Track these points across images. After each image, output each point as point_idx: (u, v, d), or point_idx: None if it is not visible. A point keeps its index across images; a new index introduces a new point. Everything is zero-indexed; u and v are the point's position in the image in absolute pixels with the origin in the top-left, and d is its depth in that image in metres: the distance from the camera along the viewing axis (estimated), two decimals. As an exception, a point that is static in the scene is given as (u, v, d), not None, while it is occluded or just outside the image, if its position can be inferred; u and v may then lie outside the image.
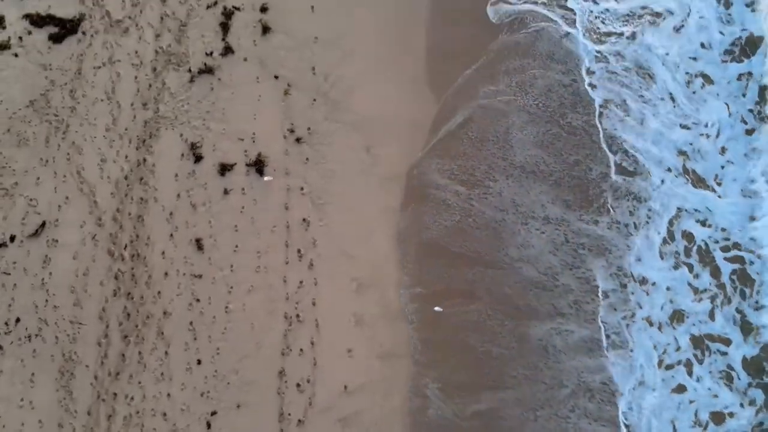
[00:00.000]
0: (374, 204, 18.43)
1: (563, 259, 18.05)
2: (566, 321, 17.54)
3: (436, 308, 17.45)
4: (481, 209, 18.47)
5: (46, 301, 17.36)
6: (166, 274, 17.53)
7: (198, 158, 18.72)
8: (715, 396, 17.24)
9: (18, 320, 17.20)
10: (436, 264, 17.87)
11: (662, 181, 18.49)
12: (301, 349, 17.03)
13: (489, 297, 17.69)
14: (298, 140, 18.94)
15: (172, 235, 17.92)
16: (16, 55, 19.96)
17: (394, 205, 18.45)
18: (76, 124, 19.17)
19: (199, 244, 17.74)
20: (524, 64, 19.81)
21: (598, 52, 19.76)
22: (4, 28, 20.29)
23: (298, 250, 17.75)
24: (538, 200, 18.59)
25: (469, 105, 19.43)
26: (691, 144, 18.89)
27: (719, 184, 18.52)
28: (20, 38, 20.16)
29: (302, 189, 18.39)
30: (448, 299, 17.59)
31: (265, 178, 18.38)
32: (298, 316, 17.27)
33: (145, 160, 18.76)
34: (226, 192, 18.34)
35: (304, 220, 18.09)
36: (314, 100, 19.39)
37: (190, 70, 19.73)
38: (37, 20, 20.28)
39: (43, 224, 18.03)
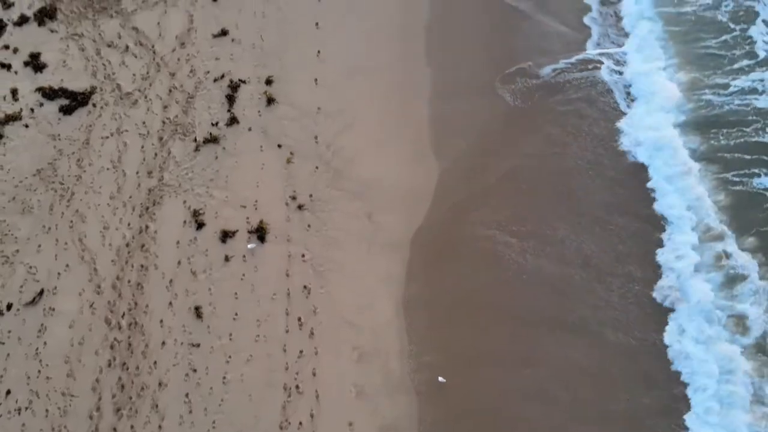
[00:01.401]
0: (376, 271, 18.24)
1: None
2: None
3: (441, 378, 16.75)
4: (537, 263, 17.89)
5: (39, 371, 16.86)
6: (163, 343, 17.12)
7: (200, 225, 18.76)
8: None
9: (8, 392, 16.64)
10: (459, 328, 17.15)
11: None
12: (301, 423, 16.35)
13: (548, 364, 16.33)
14: (300, 207, 19.05)
15: (171, 303, 17.65)
16: (26, 126, 20.48)
17: (396, 271, 18.23)
18: (81, 192, 19.36)
19: (198, 312, 17.44)
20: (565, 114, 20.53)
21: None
22: (16, 100, 20.96)
23: (299, 318, 17.42)
24: (614, 251, 18.00)
25: (510, 158, 19.76)
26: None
27: None
28: (32, 110, 20.76)
29: (303, 256, 18.30)
30: (472, 367, 16.78)
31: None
32: (297, 387, 16.70)
33: (147, 227, 18.79)
34: (227, 259, 18.24)
35: (305, 287, 17.87)
36: (316, 167, 19.67)
37: (195, 140, 20.16)
38: (50, 93, 20.98)
39: (41, 292, 17.82)
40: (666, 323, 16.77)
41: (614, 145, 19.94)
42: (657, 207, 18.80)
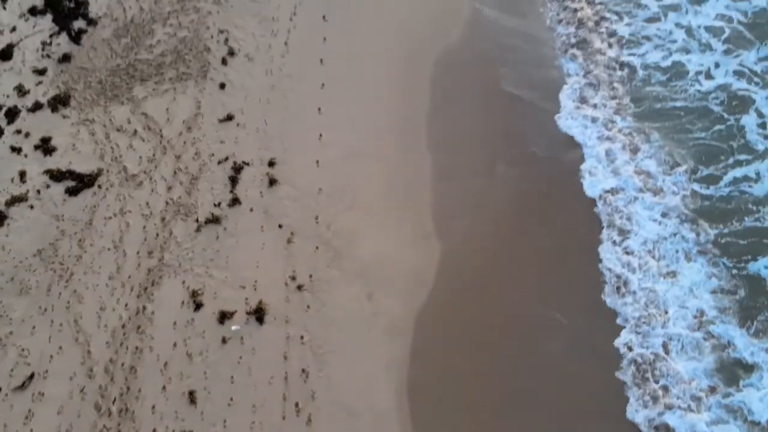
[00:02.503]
0: (377, 354, 17.77)
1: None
2: None
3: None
4: (547, 348, 17.27)
5: (22, 462, 16.07)
6: (154, 430, 16.41)
7: (198, 306, 18.52)
8: None
9: (-12, 485, 15.78)
10: (467, 415, 16.37)
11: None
12: None
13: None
14: (299, 288, 18.89)
15: (164, 387, 17.09)
16: (31, 207, 20.75)
17: (398, 354, 17.75)
18: (80, 272, 19.30)
19: (192, 397, 16.83)
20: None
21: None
22: (24, 182, 21.37)
23: (296, 404, 16.78)
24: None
25: (514, 239, 19.78)
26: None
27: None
28: (38, 191, 21.13)
29: (302, 338, 17.92)
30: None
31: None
32: (293, 479, 15.84)
33: (144, 307, 18.56)
34: (224, 341, 17.86)
35: (303, 371, 17.35)
36: (317, 247, 19.69)
37: (197, 220, 20.34)
38: (57, 175, 21.43)
39: (32, 376, 17.31)
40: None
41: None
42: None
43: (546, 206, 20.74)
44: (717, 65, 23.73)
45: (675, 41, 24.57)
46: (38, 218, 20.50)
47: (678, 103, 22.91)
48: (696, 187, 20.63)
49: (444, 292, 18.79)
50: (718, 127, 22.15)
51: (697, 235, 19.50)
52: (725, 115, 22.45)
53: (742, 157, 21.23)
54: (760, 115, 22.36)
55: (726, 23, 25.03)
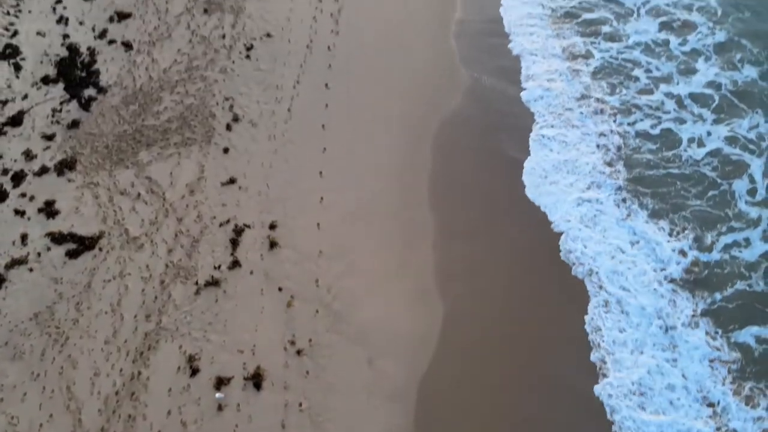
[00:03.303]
0: (378, 422, 17.18)
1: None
2: None
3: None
4: (552, 415, 16.97)
5: None
6: (143, 505, 15.64)
7: (194, 371, 18.07)
8: None
9: None
10: None
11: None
12: None
13: None
14: (298, 352, 18.50)
15: (156, 458, 16.43)
16: (30, 270, 20.66)
17: (398, 422, 17.17)
18: (75, 336, 18.96)
19: (184, 469, 16.16)
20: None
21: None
22: (25, 244, 21.38)
23: (293, 476, 16.09)
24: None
25: (520, 304, 19.43)
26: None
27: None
28: (38, 254, 21.09)
29: (301, 405, 17.38)
30: None
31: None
32: None
33: (139, 373, 18.10)
34: (220, 408, 17.31)
35: (301, 440, 16.74)
36: (317, 311, 19.44)
37: (197, 283, 20.19)
38: (59, 238, 21.46)
39: (19, 446, 16.68)
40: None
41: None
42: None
43: (546, 267, 20.70)
44: (709, 133, 24.38)
45: (667, 111, 25.30)
46: (37, 281, 20.37)
47: (672, 170, 23.35)
48: (690, 253, 20.77)
49: (447, 355, 18.41)
50: (711, 192, 22.57)
51: (691, 303, 19.55)
52: (718, 181, 22.91)
53: (735, 223, 21.58)
54: (752, 180, 22.86)
55: (715, 91, 25.90)
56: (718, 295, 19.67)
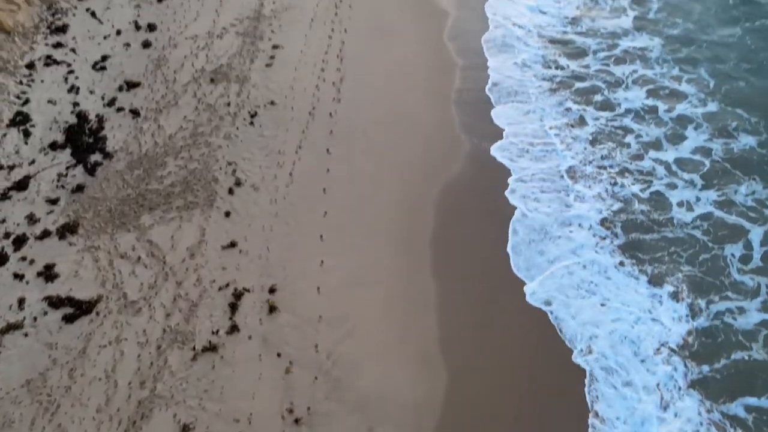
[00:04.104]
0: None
1: None
2: None
3: None
4: None
5: None
6: None
7: (188, 442, 17.49)
8: None
9: None
10: None
11: None
12: None
13: None
14: (296, 421, 17.94)
15: None
16: (26, 335, 20.36)
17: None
18: (67, 404, 18.45)
19: None
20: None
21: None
22: (22, 309, 21.18)
23: None
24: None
25: (525, 375, 19.09)
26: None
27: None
28: (35, 318, 20.86)
29: (298, 478, 16.71)
30: None
31: None
32: None
33: (131, 444, 17.50)
34: (213, 482, 16.63)
35: None
36: (316, 378, 19.01)
37: (194, 348, 19.85)
38: (56, 302, 21.29)
39: None
40: None
41: (620, 352, 19.52)
42: None
43: (550, 332, 20.41)
44: (698, 199, 24.68)
45: (659, 177, 25.65)
46: (31, 347, 20.03)
47: (667, 234, 23.46)
48: (687, 321, 20.58)
49: (451, 425, 17.85)
50: (703, 256, 22.59)
51: (685, 372, 19.23)
52: (710, 245, 23.01)
53: (728, 291, 21.49)
54: (748, 246, 22.89)
55: (703, 157, 26.33)
56: (714, 365, 19.38)
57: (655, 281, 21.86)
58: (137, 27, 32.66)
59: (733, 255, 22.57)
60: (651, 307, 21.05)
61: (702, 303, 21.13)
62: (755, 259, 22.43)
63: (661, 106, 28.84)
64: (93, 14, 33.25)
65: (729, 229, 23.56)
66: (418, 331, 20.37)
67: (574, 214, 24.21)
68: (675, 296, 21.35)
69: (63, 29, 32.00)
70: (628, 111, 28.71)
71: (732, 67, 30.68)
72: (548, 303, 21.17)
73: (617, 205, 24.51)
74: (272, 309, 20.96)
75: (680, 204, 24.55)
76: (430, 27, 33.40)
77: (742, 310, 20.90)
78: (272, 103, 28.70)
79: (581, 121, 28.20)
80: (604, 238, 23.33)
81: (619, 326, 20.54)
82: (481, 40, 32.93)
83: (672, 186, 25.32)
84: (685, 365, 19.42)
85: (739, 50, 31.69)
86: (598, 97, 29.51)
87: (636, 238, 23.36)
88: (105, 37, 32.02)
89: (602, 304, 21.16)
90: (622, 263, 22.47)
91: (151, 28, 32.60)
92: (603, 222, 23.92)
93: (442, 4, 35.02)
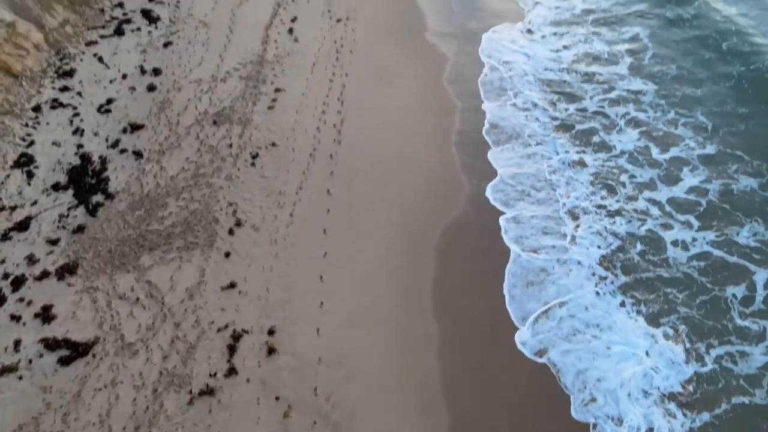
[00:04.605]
0: None
1: None
2: None
3: None
4: None
5: None
6: None
7: (182, 490, 16.98)
8: None
9: None
10: None
11: None
12: None
13: None
14: (294, 468, 17.49)
15: None
16: (20, 378, 20.06)
17: None
18: (59, 450, 18.03)
19: None
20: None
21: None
22: (17, 351, 20.92)
23: None
24: None
25: (529, 418, 18.55)
26: None
27: None
28: (30, 361, 20.58)
29: None
30: None
31: None
32: None
33: (123, 492, 17.00)
34: None
35: None
36: (314, 422, 18.62)
37: (191, 392, 19.51)
38: (52, 344, 21.06)
39: None
40: None
41: (625, 396, 19.17)
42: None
43: (551, 377, 20.10)
44: (694, 239, 24.56)
45: (653, 217, 25.65)
46: (25, 390, 19.69)
47: (663, 274, 23.29)
48: (683, 366, 20.22)
49: None
50: (702, 298, 22.33)
51: (683, 422, 18.83)
52: (709, 286, 22.76)
53: (730, 335, 21.13)
54: (751, 288, 22.60)
55: (699, 197, 26.27)
56: (715, 410, 18.98)
57: (654, 323, 21.63)
58: (143, 71, 33.43)
59: (734, 296, 22.33)
60: (649, 351, 20.72)
61: (702, 347, 20.83)
62: (757, 301, 22.15)
63: (654, 149, 29.05)
64: (100, 59, 34.07)
65: (730, 270, 23.33)
66: (418, 374, 20.06)
67: (569, 256, 24.15)
68: (674, 339, 21.07)
69: (70, 73, 32.74)
70: (623, 152, 28.94)
71: (729, 111, 30.83)
72: (543, 351, 20.79)
73: (612, 246, 24.48)
74: (271, 351, 20.71)
75: (675, 243, 24.42)
76: (429, 70, 34.14)
77: (743, 354, 20.57)
78: (274, 144, 29.08)
79: (577, 163, 28.47)
80: (603, 278, 23.22)
81: (617, 372, 20.16)
82: (479, 84, 33.57)
83: (667, 226, 25.25)
84: (684, 413, 18.99)
85: (736, 94, 31.92)
86: (595, 139, 29.85)
87: (633, 278, 23.23)
88: (111, 81, 32.73)
89: (597, 350, 20.82)
90: (622, 304, 22.27)
91: (156, 72, 33.35)
92: (599, 262, 23.83)
93: (442, 49, 35.88)
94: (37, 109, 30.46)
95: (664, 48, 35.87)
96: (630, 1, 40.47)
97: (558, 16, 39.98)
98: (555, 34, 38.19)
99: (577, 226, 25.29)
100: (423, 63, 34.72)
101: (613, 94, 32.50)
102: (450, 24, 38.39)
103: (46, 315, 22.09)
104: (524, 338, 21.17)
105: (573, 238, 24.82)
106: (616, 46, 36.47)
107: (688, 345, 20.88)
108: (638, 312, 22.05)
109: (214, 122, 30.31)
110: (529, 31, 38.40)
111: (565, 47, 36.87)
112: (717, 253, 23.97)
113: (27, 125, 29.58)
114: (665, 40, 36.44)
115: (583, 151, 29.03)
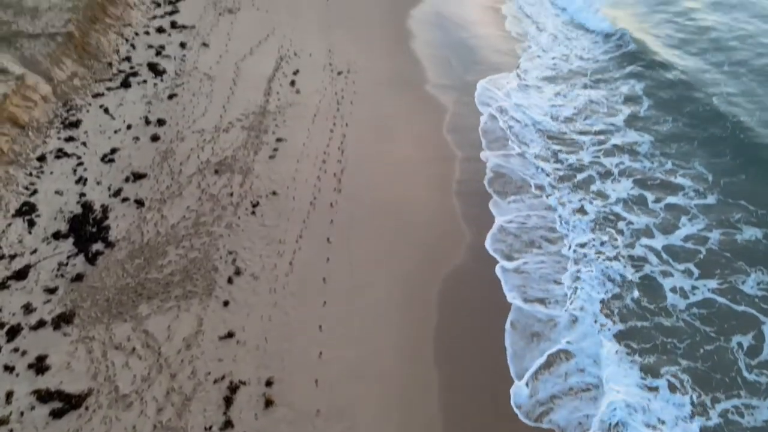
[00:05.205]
0: None
1: None
2: None
3: None
4: None
5: None
6: None
7: None
8: None
9: None
10: None
11: None
12: None
13: None
14: None
15: None
16: (11, 431, 19.52)
17: None
18: None
19: None
20: None
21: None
22: (9, 403, 20.45)
23: None
24: None
25: None
26: None
27: None
28: (21, 413, 20.10)
29: None
30: None
31: None
32: None
33: None
34: None
35: None
36: (312, 479, 18.03)
37: (185, 446, 18.98)
38: (45, 396, 20.60)
39: None
40: None
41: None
42: None
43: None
44: (694, 288, 24.27)
45: (651, 263, 25.52)
46: (15, 444, 19.16)
47: (664, 322, 22.92)
48: (687, 421, 19.58)
49: None
50: (706, 348, 21.83)
51: None
52: (714, 335, 22.32)
53: (739, 389, 20.54)
54: (758, 338, 22.09)
55: (698, 245, 26.14)
56: None
57: (654, 374, 21.13)
58: (147, 122, 34.09)
59: (740, 346, 21.90)
60: (650, 405, 20.16)
61: (707, 400, 20.24)
62: (765, 352, 21.69)
63: (650, 197, 29.21)
64: (106, 110, 34.81)
65: (737, 319, 22.87)
66: (421, 426, 19.55)
67: (571, 305, 23.91)
68: (677, 391, 20.55)
69: (76, 124, 33.37)
70: (618, 200, 29.12)
71: (729, 161, 30.82)
72: (543, 413, 20.19)
73: (612, 292, 24.27)
74: (268, 403, 20.24)
75: (674, 290, 24.19)
76: (429, 121, 34.85)
77: (749, 407, 19.99)
78: (274, 193, 29.32)
79: (577, 210, 28.63)
80: (603, 326, 22.89)
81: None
82: (480, 134, 34.17)
83: (666, 273, 25.05)
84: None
85: (735, 145, 32.06)
86: (593, 187, 30.14)
87: (633, 326, 22.85)
88: (116, 132, 33.32)
89: (598, 404, 20.35)
90: (621, 352, 21.83)
91: (161, 122, 34.01)
92: (599, 310, 23.57)
93: (441, 100, 36.73)
94: (42, 158, 30.89)
95: (659, 101, 36.65)
96: (625, 59, 41.53)
97: (554, 70, 41.12)
98: (551, 85, 39.20)
99: (578, 277, 25.13)
100: (422, 113, 35.48)
101: (608, 145, 33.05)
102: (449, 77, 39.44)
103: (40, 366, 21.71)
104: (522, 399, 20.58)
105: (575, 289, 24.63)
106: (613, 99, 37.33)
107: (691, 398, 20.36)
108: (638, 361, 21.59)
109: (216, 171, 30.67)
110: (526, 82, 39.41)
111: (561, 97, 37.75)
112: (721, 300, 23.59)
113: (31, 174, 29.92)
114: (660, 95, 37.27)
115: (583, 199, 29.26)
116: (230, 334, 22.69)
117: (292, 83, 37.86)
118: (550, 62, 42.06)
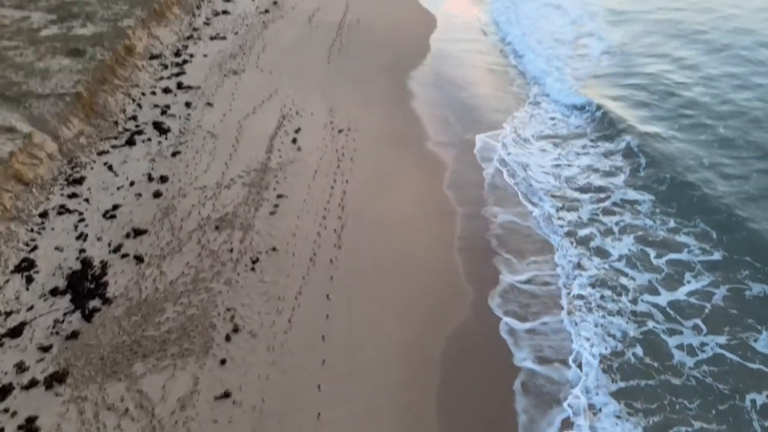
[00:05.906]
0: None
1: None
2: None
3: None
4: None
5: None
6: None
7: None
8: None
9: None
10: None
11: None
12: None
13: None
14: None
15: None
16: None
17: None
18: None
19: None
20: None
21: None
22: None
23: None
24: None
25: None
26: None
27: None
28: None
29: None
30: None
31: None
32: None
33: None
34: None
35: None
36: None
37: None
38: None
39: None
40: None
41: None
42: None
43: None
44: (703, 344, 23.68)
45: (655, 319, 25.05)
46: None
47: (671, 380, 22.24)
48: None
49: None
50: (720, 408, 21.07)
51: None
52: (728, 393, 21.55)
53: None
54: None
55: (703, 301, 25.68)
56: None
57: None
58: (150, 179, 34.48)
59: (753, 404, 21.13)
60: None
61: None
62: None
63: (652, 252, 29.05)
64: (110, 167, 35.30)
65: (752, 378, 22.12)
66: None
67: (583, 365, 23.27)
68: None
69: (80, 181, 33.75)
70: (621, 257, 28.95)
71: (728, 217, 30.54)
72: None
73: (616, 349, 23.70)
74: (264, 467, 19.47)
75: (680, 347, 23.61)
76: (429, 177, 35.23)
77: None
78: (274, 249, 29.26)
79: (578, 266, 28.43)
80: (601, 387, 22.26)
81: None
82: (481, 190, 34.42)
83: (673, 331, 24.55)
84: None
85: (734, 199, 31.89)
86: (593, 244, 30.05)
87: (638, 385, 22.14)
88: (118, 188, 33.66)
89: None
90: (622, 414, 21.03)
91: (163, 179, 34.39)
92: (603, 371, 22.94)
93: (441, 157, 37.27)
94: (44, 215, 31.05)
95: (657, 158, 36.99)
96: (621, 119, 42.21)
97: (553, 129, 41.89)
98: (550, 143, 39.83)
99: (586, 339, 24.61)
100: (422, 170, 35.91)
101: (608, 203, 33.19)
102: (448, 134, 40.19)
103: (29, 427, 21.02)
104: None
105: (582, 349, 24.04)
106: (611, 156, 37.81)
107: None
108: (646, 425, 20.81)
109: (216, 227, 30.74)
110: (524, 140, 40.08)
111: (559, 156, 38.27)
112: (733, 357, 22.91)
113: (32, 230, 29.98)
114: (657, 152, 37.73)
115: (584, 255, 29.12)
116: (227, 394, 22.07)
117: (294, 141, 38.54)
118: (550, 121, 42.94)
